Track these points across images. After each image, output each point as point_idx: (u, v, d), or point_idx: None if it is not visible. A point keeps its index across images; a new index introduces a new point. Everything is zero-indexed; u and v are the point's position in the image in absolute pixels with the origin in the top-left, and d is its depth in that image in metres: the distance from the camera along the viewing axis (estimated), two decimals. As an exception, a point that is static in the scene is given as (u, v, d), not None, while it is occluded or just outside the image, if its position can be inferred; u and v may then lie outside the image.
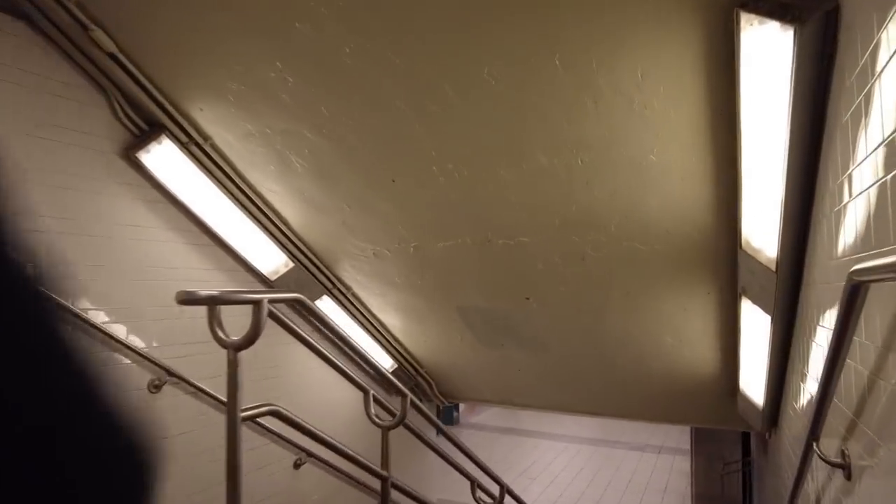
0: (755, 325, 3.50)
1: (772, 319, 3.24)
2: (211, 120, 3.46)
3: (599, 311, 4.17)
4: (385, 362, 5.86)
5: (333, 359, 2.57)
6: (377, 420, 2.78)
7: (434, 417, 3.51)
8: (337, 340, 2.74)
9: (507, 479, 9.98)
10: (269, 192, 4.01)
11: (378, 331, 5.42)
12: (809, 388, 2.74)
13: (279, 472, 4.69)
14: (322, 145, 3.37)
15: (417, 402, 3.11)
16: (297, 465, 4.81)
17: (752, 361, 3.93)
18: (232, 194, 3.95)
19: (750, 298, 3.33)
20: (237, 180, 3.90)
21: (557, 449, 12.76)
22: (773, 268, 2.88)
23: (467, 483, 3.81)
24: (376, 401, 2.85)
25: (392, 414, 2.96)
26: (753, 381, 4.09)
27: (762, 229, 2.88)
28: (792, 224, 2.69)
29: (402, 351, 5.76)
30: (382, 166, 3.44)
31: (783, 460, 3.84)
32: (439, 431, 3.50)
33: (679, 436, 13.79)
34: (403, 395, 2.97)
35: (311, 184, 3.74)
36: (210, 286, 4.06)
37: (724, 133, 2.65)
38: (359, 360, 5.26)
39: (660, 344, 4.23)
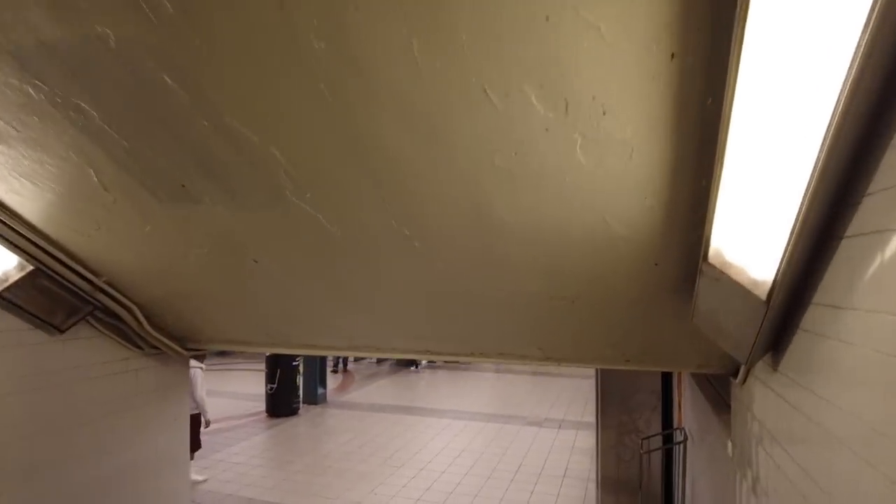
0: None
1: None
2: None
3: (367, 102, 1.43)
4: (7, 261, 2.88)
5: None
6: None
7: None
8: None
9: (365, 469, 7.26)
10: None
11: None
12: None
13: None
14: None
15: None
16: None
17: (757, 164, 1.36)
18: None
19: None
20: None
21: (438, 427, 10.23)
22: None
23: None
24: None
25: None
26: (754, 221, 1.54)
27: None
28: None
29: (41, 243, 2.78)
30: None
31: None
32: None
33: (584, 406, 11.71)
34: None
35: None
36: None
37: None
38: None
39: (526, 165, 1.56)
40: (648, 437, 4.72)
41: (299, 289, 2.64)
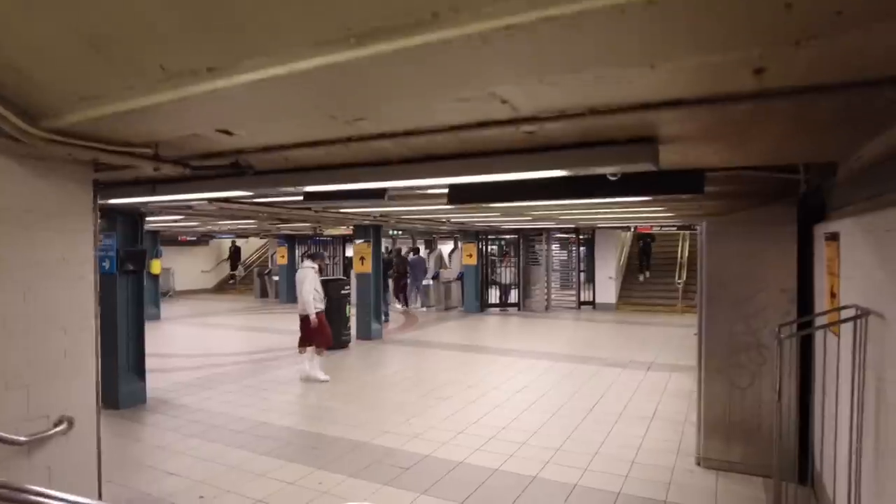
0: None
1: None
2: None
3: None
4: None
5: None
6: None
7: None
8: None
9: (402, 399, 5.93)
10: None
11: None
12: None
13: None
14: None
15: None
16: None
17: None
18: None
19: None
20: None
21: (498, 364, 8.73)
22: None
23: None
24: None
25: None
26: None
27: None
28: None
29: None
30: None
31: None
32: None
33: (678, 350, 9.68)
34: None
35: None
36: None
37: None
38: None
39: None
40: (789, 324, 2.93)
41: None
